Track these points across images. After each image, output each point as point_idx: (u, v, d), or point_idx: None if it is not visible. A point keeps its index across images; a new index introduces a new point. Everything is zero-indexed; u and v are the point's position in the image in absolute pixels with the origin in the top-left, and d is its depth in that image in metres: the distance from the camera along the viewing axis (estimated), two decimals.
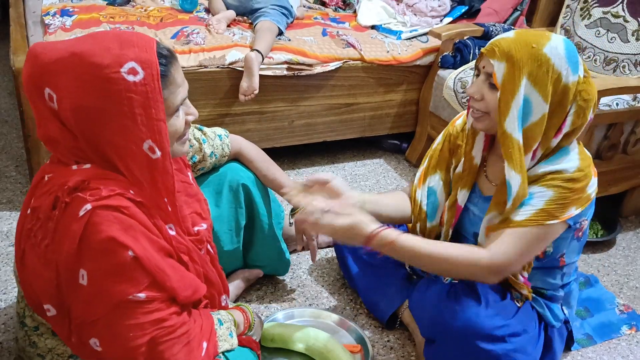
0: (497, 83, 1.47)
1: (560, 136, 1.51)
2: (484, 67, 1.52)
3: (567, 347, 1.90)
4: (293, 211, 1.92)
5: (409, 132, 3.21)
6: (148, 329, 1.19)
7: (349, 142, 3.16)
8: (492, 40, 1.51)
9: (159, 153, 1.20)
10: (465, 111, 1.73)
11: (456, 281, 1.72)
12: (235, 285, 1.98)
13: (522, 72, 1.44)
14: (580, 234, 1.63)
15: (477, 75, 1.56)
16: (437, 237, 1.82)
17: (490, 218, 1.60)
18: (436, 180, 1.79)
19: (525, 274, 1.65)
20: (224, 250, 1.85)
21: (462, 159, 1.71)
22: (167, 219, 1.29)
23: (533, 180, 1.52)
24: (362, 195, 1.74)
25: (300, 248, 1.89)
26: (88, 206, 1.13)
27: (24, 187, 2.55)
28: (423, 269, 1.66)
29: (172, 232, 1.30)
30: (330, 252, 2.33)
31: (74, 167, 1.20)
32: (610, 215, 2.69)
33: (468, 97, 1.62)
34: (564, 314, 1.76)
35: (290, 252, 2.23)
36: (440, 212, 1.79)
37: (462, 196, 1.71)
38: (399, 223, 1.91)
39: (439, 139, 1.83)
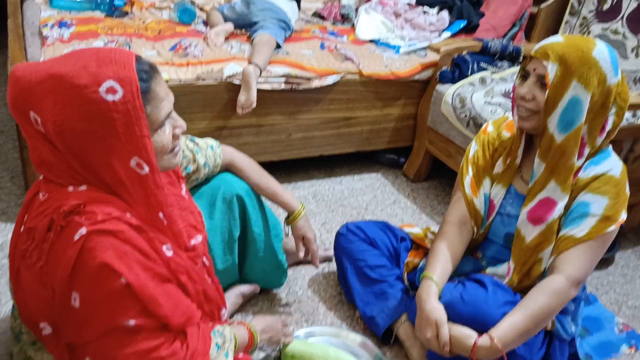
0: (548, 83, 1.56)
1: (604, 135, 1.63)
2: (535, 70, 1.61)
3: None
4: (288, 219, 1.93)
5: (407, 146, 3.20)
6: (136, 358, 1.18)
7: (347, 156, 3.15)
8: (542, 44, 1.61)
9: (146, 169, 1.18)
10: (492, 120, 1.91)
11: (464, 278, 1.76)
12: (231, 302, 1.96)
13: (573, 74, 1.53)
14: None
15: (523, 77, 1.65)
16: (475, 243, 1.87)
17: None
18: (487, 186, 1.84)
19: None
20: (218, 269, 1.83)
21: (501, 159, 1.80)
22: (164, 237, 1.27)
23: (584, 184, 1.63)
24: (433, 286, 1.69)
25: (302, 256, 1.94)
26: (83, 230, 1.11)
27: (19, 199, 2.53)
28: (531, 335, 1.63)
29: (170, 253, 1.28)
30: (327, 268, 2.31)
31: (70, 188, 1.19)
32: None
33: (513, 97, 1.70)
34: (572, 330, 1.75)
35: (289, 266, 2.22)
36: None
37: (495, 192, 1.79)
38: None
39: (475, 146, 1.88)
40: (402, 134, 3.16)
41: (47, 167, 1.20)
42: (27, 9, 2.86)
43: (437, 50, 2.91)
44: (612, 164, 1.64)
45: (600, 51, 1.55)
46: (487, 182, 1.83)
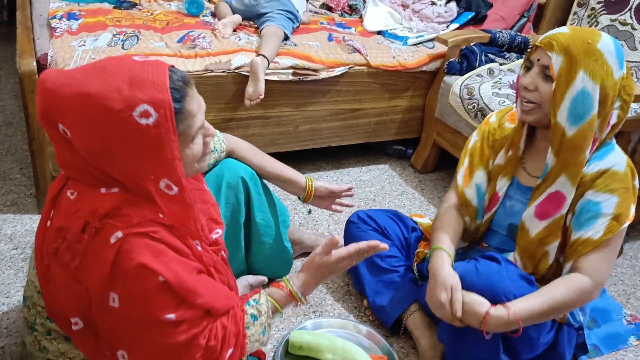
0: (553, 75, 1.54)
1: (608, 128, 1.60)
2: (538, 60, 1.59)
3: (575, 357, 1.89)
4: (303, 197, 2.01)
5: (414, 138, 3.20)
6: (179, 347, 1.21)
7: (354, 147, 3.15)
8: (547, 34, 1.59)
9: (175, 189, 1.18)
10: (497, 111, 1.89)
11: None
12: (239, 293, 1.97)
13: (579, 65, 1.51)
14: None
15: (527, 68, 1.63)
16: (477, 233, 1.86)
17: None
18: (481, 177, 1.83)
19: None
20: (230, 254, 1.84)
21: (502, 151, 1.78)
22: (194, 236, 1.29)
23: (589, 180, 1.60)
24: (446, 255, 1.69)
25: (342, 189, 2.06)
26: (119, 233, 1.13)
27: (29, 190, 2.55)
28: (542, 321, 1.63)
29: (200, 248, 1.31)
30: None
31: (103, 190, 1.19)
32: None
33: (517, 88, 1.69)
34: (580, 319, 1.75)
35: (297, 257, 2.23)
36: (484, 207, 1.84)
37: (501, 184, 1.77)
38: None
39: (475, 137, 1.88)
40: (409, 126, 3.15)
41: (73, 170, 1.21)
42: (35, 1, 2.86)
43: (444, 42, 2.90)
44: (616, 159, 1.61)
45: (606, 44, 1.53)
46: (480, 173, 1.83)
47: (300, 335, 1.80)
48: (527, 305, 1.53)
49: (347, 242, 2.10)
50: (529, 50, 1.61)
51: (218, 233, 1.48)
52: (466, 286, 1.57)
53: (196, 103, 1.22)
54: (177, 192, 1.19)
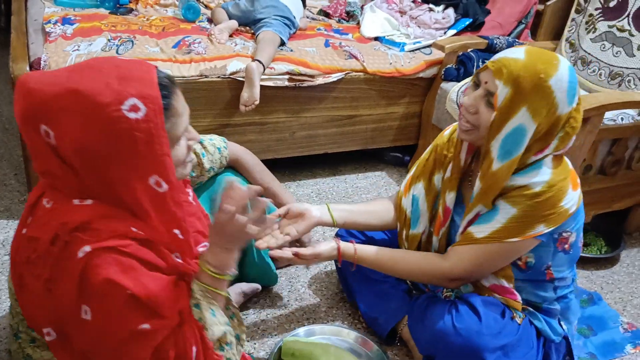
0: (496, 105, 1.47)
1: (539, 156, 1.53)
2: (486, 83, 1.51)
3: None
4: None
5: (412, 144, 3.18)
6: (155, 348, 1.18)
7: (351, 154, 3.13)
8: (501, 56, 1.50)
9: (165, 186, 1.17)
10: (455, 124, 1.77)
11: (456, 298, 1.72)
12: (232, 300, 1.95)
13: (524, 101, 1.44)
14: (566, 246, 1.62)
15: (476, 85, 1.55)
16: (419, 245, 1.84)
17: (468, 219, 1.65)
18: (419, 189, 1.82)
19: (506, 284, 1.65)
20: None
21: (450, 165, 1.72)
22: (174, 247, 1.26)
23: (503, 193, 1.55)
24: (325, 208, 1.79)
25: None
26: (87, 248, 1.11)
27: (22, 196, 2.53)
28: (392, 275, 1.79)
29: (179, 260, 1.28)
30: (330, 266, 2.30)
31: (76, 202, 1.17)
32: (614, 231, 2.65)
33: (460, 105, 1.63)
34: (563, 329, 1.73)
35: (287, 265, 2.22)
36: (423, 220, 1.81)
37: (449, 199, 1.73)
38: (380, 230, 1.95)
39: (428, 149, 1.87)
40: (406, 132, 3.14)
41: (52, 177, 1.19)
42: (31, 6, 2.86)
43: (442, 48, 2.89)
44: (538, 177, 1.51)
45: (559, 79, 1.44)
46: (420, 185, 1.81)
47: (293, 343, 1.79)
48: (374, 255, 1.71)
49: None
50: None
51: (206, 246, 1.45)
52: (444, 346, 1.59)
53: (182, 103, 1.22)
54: (166, 190, 1.18)
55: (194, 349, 1.23)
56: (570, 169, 1.59)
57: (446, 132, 1.83)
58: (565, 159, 1.61)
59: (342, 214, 1.79)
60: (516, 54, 1.47)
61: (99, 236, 1.12)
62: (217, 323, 1.26)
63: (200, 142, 1.74)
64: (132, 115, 1.09)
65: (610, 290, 2.37)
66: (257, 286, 2.04)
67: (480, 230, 1.58)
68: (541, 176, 1.51)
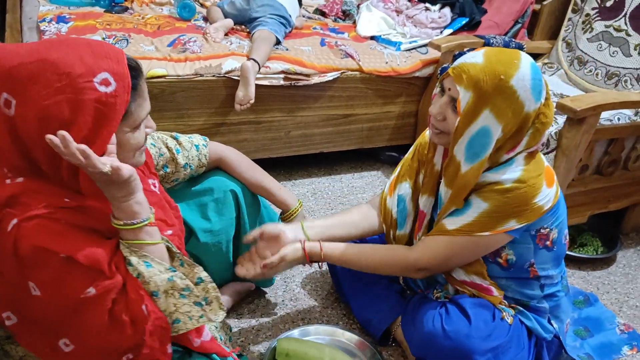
0: (459, 110, 1.46)
1: (511, 154, 1.53)
2: (449, 89, 1.50)
3: None
4: (282, 215, 1.93)
5: (408, 144, 3.15)
6: (115, 318, 1.18)
7: (347, 153, 3.13)
8: (461, 61, 1.48)
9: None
10: None
11: (447, 299, 1.72)
12: (226, 299, 1.94)
13: (486, 104, 1.43)
14: (548, 243, 1.61)
15: (442, 92, 1.54)
16: (408, 245, 1.82)
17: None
18: (405, 189, 1.80)
19: (478, 281, 1.66)
20: (211, 269, 1.77)
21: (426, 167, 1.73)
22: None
23: (475, 189, 1.55)
24: (300, 228, 1.76)
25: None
26: (14, 221, 1.12)
27: None
28: (361, 270, 1.79)
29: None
30: (324, 266, 2.29)
31: (8, 181, 1.17)
32: (610, 232, 2.65)
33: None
34: (554, 328, 1.73)
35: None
36: (409, 220, 1.80)
37: (423, 202, 1.73)
38: (366, 237, 1.91)
39: (411, 149, 1.86)
40: (402, 132, 3.13)
41: None
42: (26, 4, 2.82)
43: (438, 47, 2.88)
44: (509, 174, 1.51)
45: (521, 78, 1.42)
46: (406, 185, 1.80)
47: (287, 343, 1.77)
48: (341, 252, 1.70)
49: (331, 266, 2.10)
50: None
51: (168, 233, 1.42)
52: (434, 348, 1.60)
53: (145, 89, 1.25)
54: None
55: (144, 307, 1.22)
56: (546, 165, 1.59)
57: (427, 132, 1.81)
58: (541, 155, 1.61)
59: (317, 231, 1.76)
60: (475, 58, 1.46)
61: (28, 208, 1.13)
62: (156, 273, 1.23)
63: (175, 139, 1.72)
64: (102, 88, 1.11)
65: (607, 291, 2.36)
66: (251, 284, 2.03)
67: (451, 222, 1.58)
68: (512, 173, 1.51)
